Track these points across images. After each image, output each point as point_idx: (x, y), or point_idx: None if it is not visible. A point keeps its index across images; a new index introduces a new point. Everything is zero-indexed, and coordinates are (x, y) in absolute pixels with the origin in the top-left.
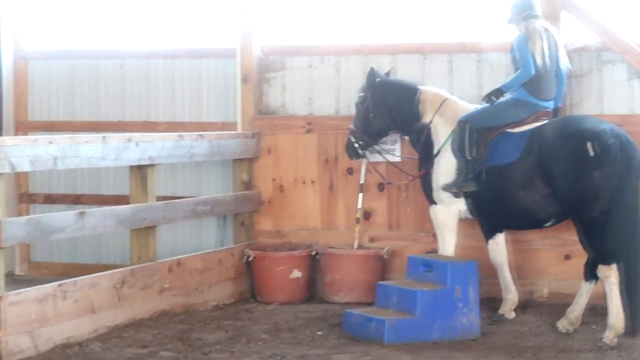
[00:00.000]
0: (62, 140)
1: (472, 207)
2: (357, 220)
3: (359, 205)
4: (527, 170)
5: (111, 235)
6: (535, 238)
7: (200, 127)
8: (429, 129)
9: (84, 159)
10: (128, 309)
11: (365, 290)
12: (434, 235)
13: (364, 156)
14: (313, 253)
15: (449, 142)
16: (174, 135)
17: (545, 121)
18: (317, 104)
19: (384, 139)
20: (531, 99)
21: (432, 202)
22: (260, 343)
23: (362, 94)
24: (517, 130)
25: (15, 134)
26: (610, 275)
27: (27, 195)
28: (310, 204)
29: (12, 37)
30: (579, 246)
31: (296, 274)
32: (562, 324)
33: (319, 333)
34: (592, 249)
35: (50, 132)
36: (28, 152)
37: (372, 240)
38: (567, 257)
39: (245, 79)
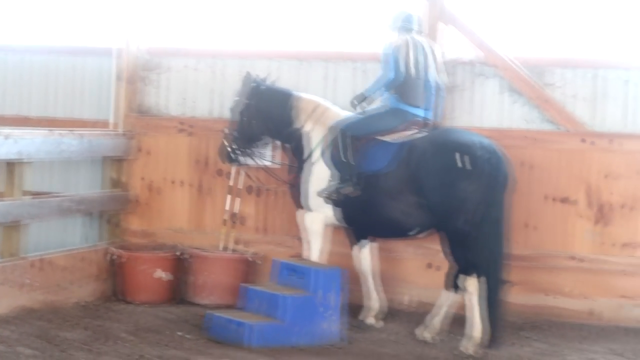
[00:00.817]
0: None
1: (339, 214)
2: (225, 223)
3: (227, 208)
4: (395, 179)
5: None
6: (399, 246)
7: (74, 124)
8: (300, 135)
9: None
10: None
11: (230, 293)
12: (300, 240)
13: (237, 160)
14: (179, 254)
15: (319, 148)
16: (44, 130)
17: (416, 131)
18: (192, 105)
19: (257, 143)
20: (403, 107)
21: (300, 207)
22: (120, 342)
23: (237, 99)
24: (390, 139)
25: None
26: (472, 286)
27: None
28: (179, 205)
29: None
30: (442, 255)
31: (161, 274)
32: (421, 332)
33: (180, 334)
34: (455, 260)
35: None
36: None
37: (240, 243)
38: (430, 266)
39: (121, 78)
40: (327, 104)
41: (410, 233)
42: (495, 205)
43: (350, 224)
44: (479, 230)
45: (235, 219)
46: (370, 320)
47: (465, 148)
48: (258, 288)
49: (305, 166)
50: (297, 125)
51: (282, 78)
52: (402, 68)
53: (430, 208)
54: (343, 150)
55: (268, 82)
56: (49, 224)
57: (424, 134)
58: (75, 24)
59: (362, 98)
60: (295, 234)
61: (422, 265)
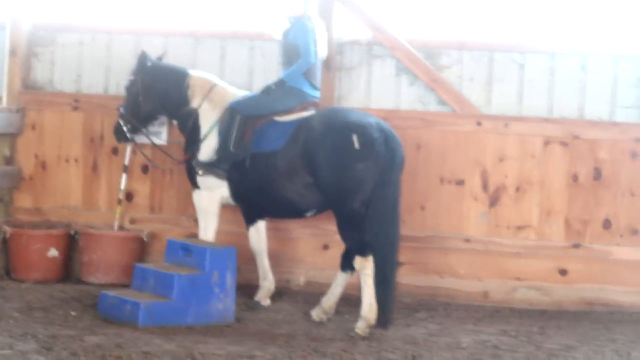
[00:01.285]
0: None
1: (234, 193)
2: (119, 202)
3: (122, 187)
4: (291, 159)
5: None
6: (294, 227)
7: None
8: (196, 114)
9: None
10: None
11: (123, 272)
12: (196, 220)
13: (132, 140)
14: (72, 232)
15: (215, 128)
16: None
17: (313, 111)
18: (86, 81)
19: (152, 121)
20: (302, 88)
21: (195, 186)
22: (11, 322)
23: (132, 78)
24: (284, 119)
25: None
26: (366, 267)
27: None
28: (72, 183)
29: None
30: (338, 236)
31: (53, 252)
32: (316, 313)
33: (72, 313)
34: (350, 240)
35: None
36: None
37: (133, 222)
38: (326, 247)
39: (13, 53)
40: (223, 83)
41: (307, 214)
42: (391, 186)
43: (244, 204)
44: (375, 211)
45: (129, 197)
46: (267, 301)
47: (361, 129)
48: (152, 267)
49: (201, 146)
50: (193, 104)
51: (178, 56)
52: (316, 51)
53: (326, 189)
54: (232, 131)
55: (163, 61)
56: None
57: (314, 113)
58: None
59: (281, 84)
60: (191, 213)
61: (318, 246)
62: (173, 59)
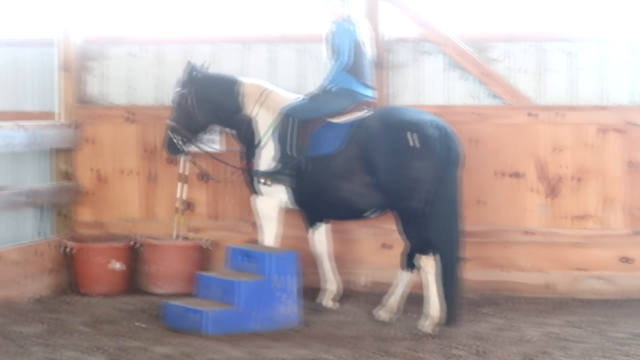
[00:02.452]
0: None
1: (293, 197)
2: (177, 211)
3: (179, 195)
4: (349, 160)
5: None
6: (354, 227)
7: (19, 116)
8: (251, 121)
9: None
10: None
11: (186, 281)
12: (255, 225)
13: (182, 151)
14: (133, 244)
15: (272, 135)
16: None
17: (366, 111)
18: (137, 93)
19: (204, 131)
20: (354, 87)
21: (255, 192)
22: (79, 335)
23: (181, 89)
24: (339, 120)
25: None
26: (429, 265)
27: None
28: (130, 195)
29: None
30: (398, 235)
31: (116, 265)
32: (380, 313)
33: (138, 324)
34: (412, 239)
35: None
36: None
37: (193, 230)
38: (386, 247)
39: (65, 68)
40: (273, 87)
41: (366, 214)
42: (450, 183)
43: (304, 207)
44: (435, 209)
45: (187, 206)
46: (329, 303)
47: (417, 127)
48: (215, 275)
49: (257, 151)
50: (245, 111)
51: (226, 62)
52: (353, 51)
53: (385, 189)
54: (289, 136)
55: (209, 69)
56: (1, 218)
57: (370, 113)
58: (14, 15)
59: (322, 88)
60: (250, 219)
61: (377, 245)
62: (223, 66)
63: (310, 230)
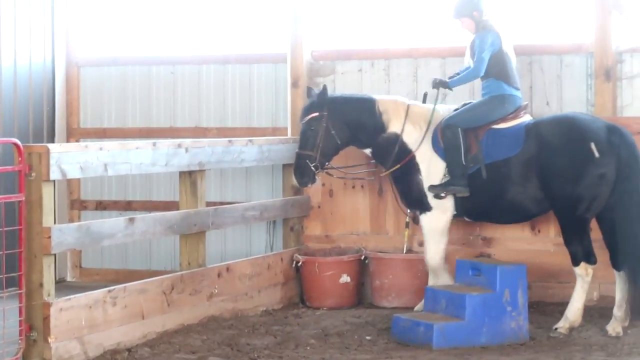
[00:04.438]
0: (112, 146)
1: (462, 207)
2: (407, 225)
3: (408, 210)
4: (524, 165)
5: (162, 241)
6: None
7: (250, 132)
8: (400, 138)
9: (135, 165)
10: (177, 314)
11: (414, 294)
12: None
13: (314, 180)
14: (362, 257)
15: (425, 146)
16: (223, 140)
17: (527, 115)
18: None
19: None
20: (511, 92)
21: (426, 209)
22: (308, 348)
23: (317, 114)
24: (504, 126)
25: (67, 141)
26: (588, 275)
27: (78, 201)
28: (359, 209)
29: (64, 44)
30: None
31: (345, 278)
32: (612, 327)
33: (367, 338)
34: (577, 246)
35: (102, 139)
36: (78, 159)
37: (421, 244)
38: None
39: (295, 84)
40: (413, 102)
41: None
42: (633, 189)
43: (472, 215)
44: (619, 215)
45: (416, 220)
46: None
47: (597, 135)
48: (443, 289)
49: (410, 167)
50: (392, 129)
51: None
52: (497, 59)
53: (556, 195)
54: (456, 146)
55: (326, 91)
56: (233, 233)
57: (541, 118)
58: (245, 32)
59: (444, 85)
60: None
61: (605, 259)
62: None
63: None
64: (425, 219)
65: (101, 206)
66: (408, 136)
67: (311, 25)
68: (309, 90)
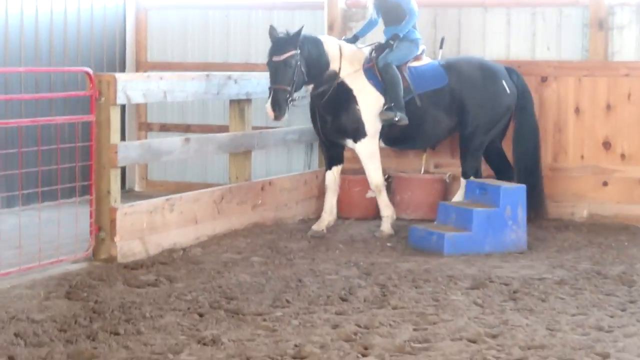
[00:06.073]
0: (171, 76)
1: (387, 136)
2: (424, 150)
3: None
4: (449, 95)
5: (215, 158)
6: (576, 167)
7: None
8: (339, 74)
9: (190, 93)
10: (226, 221)
11: (429, 209)
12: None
13: (285, 114)
14: (386, 176)
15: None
16: (267, 74)
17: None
18: None
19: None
20: (419, 37)
21: (360, 136)
22: (337, 252)
23: (294, 52)
24: (420, 64)
25: (136, 72)
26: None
27: (145, 124)
28: None
29: None
30: (617, 174)
31: (371, 194)
32: None
33: (388, 244)
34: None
35: (165, 71)
36: (142, 86)
37: (436, 166)
38: (605, 184)
39: (331, 27)
40: (340, 41)
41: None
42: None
43: (395, 143)
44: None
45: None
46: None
47: (504, 75)
48: (454, 205)
49: (346, 98)
50: (333, 67)
51: (467, 23)
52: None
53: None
54: (397, 79)
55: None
56: (276, 153)
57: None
58: None
59: (397, 38)
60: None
61: (598, 183)
62: (465, 26)
63: (333, 170)
64: (361, 145)
65: (164, 128)
66: (344, 72)
67: None
68: (272, 29)
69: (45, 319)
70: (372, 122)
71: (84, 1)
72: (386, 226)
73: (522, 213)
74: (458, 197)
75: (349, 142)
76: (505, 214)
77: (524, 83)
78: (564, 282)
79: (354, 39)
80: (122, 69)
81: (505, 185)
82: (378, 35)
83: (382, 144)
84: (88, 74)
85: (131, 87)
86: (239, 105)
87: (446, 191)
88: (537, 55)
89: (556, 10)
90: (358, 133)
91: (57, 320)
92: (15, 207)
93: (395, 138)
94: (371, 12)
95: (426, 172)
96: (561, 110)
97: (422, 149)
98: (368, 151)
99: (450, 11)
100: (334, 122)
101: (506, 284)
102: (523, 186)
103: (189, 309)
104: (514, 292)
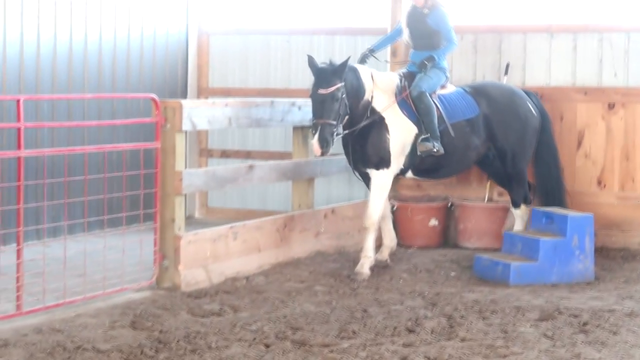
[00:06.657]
0: (235, 103)
1: (417, 166)
2: (488, 177)
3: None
4: (483, 123)
5: (276, 185)
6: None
7: None
8: (372, 103)
9: (254, 119)
10: (288, 249)
11: (493, 237)
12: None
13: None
14: (449, 204)
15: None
16: None
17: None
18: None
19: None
20: (446, 66)
21: (383, 166)
22: (401, 281)
23: (340, 84)
24: (447, 92)
25: (197, 98)
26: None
27: (206, 150)
28: None
29: (196, 17)
30: None
31: (433, 222)
32: None
33: (452, 274)
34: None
35: (226, 97)
36: (207, 113)
37: (500, 194)
38: None
39: (394, 54)
40: (371, 69)
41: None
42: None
43: (426, 174)
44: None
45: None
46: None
47: (528, 98)
48: (520, 234)
49: (378, 127)
50: (366, 95)
51: (533, 49)
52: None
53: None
54: (432, 108)
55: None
56: (337, 180)
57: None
58: (351, 7)
59: (432, 61)
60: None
61: None
62: (531, 52)
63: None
64: (379, 175)
65: (225, 154)
66: (377, 101)
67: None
68: (311, 59)
69: (111, 349)
70: (397, 154)
71: (147, 27)
72: (365, 268)
73: (589, 242)
74: (518, 226)
75: (371, 171)
76: (573, 244)
77: (542, 105)
78: (634, 314)
79: (369, 53)
80: (184, 94)
81: (572, 213)
82: None
83: (411, 175)
84: (154, 100)
85: (196, 113)
86: (302, 132)
87: (509, 219)
88: (604, 82)
89: (624, 35)
90: (382, 162)
91: (123, 350)
92: (80, 234)
93: (426, 169)
94: (397, 27)
95: (490, 200)
96: (628, 138)
97: (448, 177)
98: (382, 183)
99: (515, 37)
100: (363, 150)
101: (575, 316)
102: (590, 215)
103: (254, 339)
104: (584, 324)
